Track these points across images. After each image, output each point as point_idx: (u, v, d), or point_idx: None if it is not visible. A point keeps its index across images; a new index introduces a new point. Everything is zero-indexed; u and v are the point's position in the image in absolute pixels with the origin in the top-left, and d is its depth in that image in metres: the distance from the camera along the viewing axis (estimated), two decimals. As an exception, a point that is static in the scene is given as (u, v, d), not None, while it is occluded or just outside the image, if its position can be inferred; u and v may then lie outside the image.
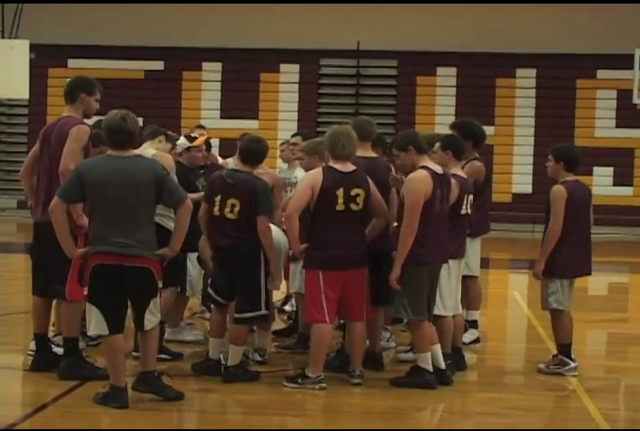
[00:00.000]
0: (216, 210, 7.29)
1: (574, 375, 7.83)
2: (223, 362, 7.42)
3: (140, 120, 8.48)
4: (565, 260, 7.85)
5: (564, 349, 7.95)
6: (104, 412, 6.36)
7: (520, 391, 7.50)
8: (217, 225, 7.31)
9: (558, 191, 7.87)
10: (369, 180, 7.24)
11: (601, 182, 24.21)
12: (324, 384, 7.12)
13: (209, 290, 7.54)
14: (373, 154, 7.82)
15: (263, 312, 7.32)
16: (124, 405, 6.43)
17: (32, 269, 7.47)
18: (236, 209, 7.24)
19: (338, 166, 7.16)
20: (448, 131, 8.55)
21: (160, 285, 6.59)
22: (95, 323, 6.45)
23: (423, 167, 7.13)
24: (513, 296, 13.26)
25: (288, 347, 8.47)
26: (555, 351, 8.10)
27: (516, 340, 10.13)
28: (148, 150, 7.89)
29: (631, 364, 9.08)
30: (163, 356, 7.85)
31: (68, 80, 7.54)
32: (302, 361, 7.63)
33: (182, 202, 6.58)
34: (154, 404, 6.72)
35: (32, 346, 7.65)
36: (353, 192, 7.12)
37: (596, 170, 24.22)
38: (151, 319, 6.58)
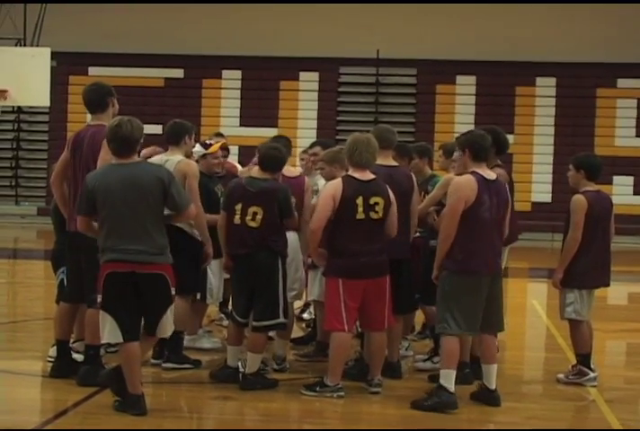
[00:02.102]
0: (237, 218, 7.30)
1: (594, 386, 7.79)
2: (241, 370, 7.43)
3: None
4: (584, 271, 7.81)
5: (584, 359, 7.91)
6: (123, 419, 6.37)
7: (538, 401, 7.47)
8: (237, 234, 7.32)
9: (579, 201, 7.81)
10: (389, 189, 7.24)
11: (621, 191, 24.10)
12: (342, 393, 7.11)
13: (231, 311, 7.55)
14: (394, 163, 7.82)
15: (282, 320, 7.32)
16: (142, 412, 6.44)
17: (67, 277, 7.50)
18: (259, 217, 7.24)
19: (357, 175, 7.16)
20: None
21: (173, 291, 6.60)
22: (109, 331, 6.45)
23: (473, 172, 6.96)
24: (532, 305, 13.21)
25: (307, 355, 8.47)
26: (574, 361, 8.07)
27: (535, 349, 10.09)
28: (173, 157, 7.82)
29: (651, 374, 9.03)
30: (185, 365, 7.88)
31: (88, 88, 7.46)
32: (321, 369, 7.63)
33: (183, 208, 6.59)
34: (172, 412, 6.74)
35: (52, 352, 7.67)
36: (372, 201, 7.11)
37: (616, 179, 24.12)
38: (165, 327, 6.61)
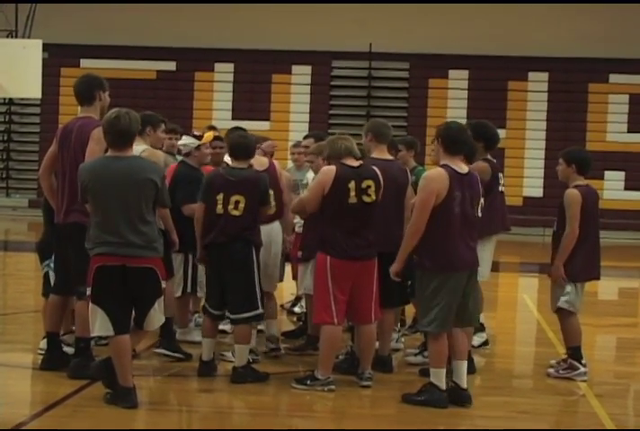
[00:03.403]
0: (219, 208, 7.33)
1: (584, 380, 7.81)
2: (232, 360, 7.45)
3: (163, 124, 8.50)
4: (579, 264, 7.84)
5: (575, 353, 7.92)
6: (113, 412, 6.37)
7: (528, 395, 7.49)
8: (218, 224, 7.33)
9: (574, 195, 7.81)
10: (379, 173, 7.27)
11: (612, 186, 24.15)
12: (332, 386, 7.11)
13: (206, 305, 7.58)
14: (389, 157, 7.87)
15: (260, 311, 7.39)
16: (133, 405, 6.44)
17: (56, 269, 7.49)
18: (241, 206, 7.30)
19: (347, 162, 7.21)
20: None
21: (164, 285, 6.62)
22: (100, 324, 6.45)
23: (444, 165, 6.85)
24: (523, 300, 13.23)
25: (298, 348, 8.48)
26: (564, 355, 8.08)
27: (525, 344, 10.11)
28: (137, 147, 7.77)
29: (641, 369, 9.07)
30: (177, 354, 7.90)
31: (78, 80, 7.44)
32: (311, 363, 7.63)
33: (168, 205, 6.74)
34: (163, 405, 6.74)
35: (43, 344, 7.67)
36: (364, 184, 7.14)
37: (607, 174, 24.15)
38: (154, 319, 6.62)
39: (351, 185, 7.10)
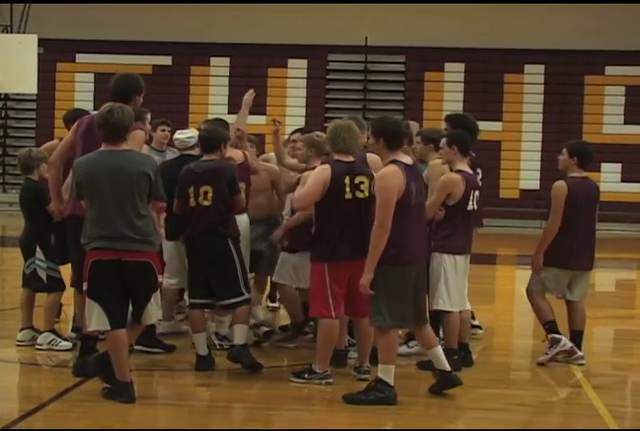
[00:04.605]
0: (191, 201, 7.51)
1: (573, 352, 7.91)
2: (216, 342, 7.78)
3: (148, 115, 8.48)
4: (563, 252, 8.03)
5: (552, 327, 8.09)
6: (111, 406, 6.37)
7: (526, 388, 7.50)
8: (193, 217, 7.48)
9: (559, 188, 8.01)
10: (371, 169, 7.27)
11: (610, 179, 24.15)
12: (330, 380, 7.12)
13: (191, 299, 7.62)
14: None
15: (246, 296, 7.51)
16: (130, 399, 6.43)
17: (75, 263, 7.31)
18: (209, 195, 7.45)
19: (341, 158, 7.19)
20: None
21: (160, 279, 6.63)
22: (96, 319, 6.46)
23: (394, 161, 6.74)
24: (520, 292, 13.20)
25: (287, 338, 8.47)
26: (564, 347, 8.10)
27: (523, 336, 10.11)
28: None
29: (638, 361, 9.08)
30: (156, 350, 7.92)
31: (117, 78, 7.29)
32: (307, 356, 7.63)
33: (161, 198, 6.70)
34: (160, 399, 6.74)
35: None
36: (357, 180, 7.13)
37: (604, 166, 24.14)
38: (151, 313, 6.63)
39: (347, 181, 7.08)
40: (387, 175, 6.67)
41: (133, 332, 6.75)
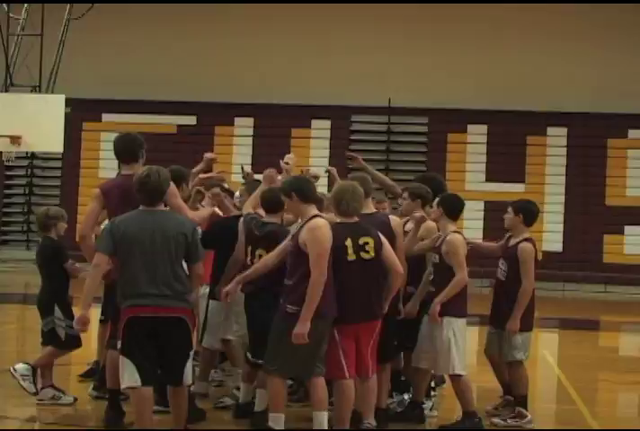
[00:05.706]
0: (247, 260, 7.56)
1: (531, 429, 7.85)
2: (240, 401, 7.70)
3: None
4: (529, 314, 8.35)
5: (524, 401, 8.06)
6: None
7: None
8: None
9: (529, 250, 8.34)
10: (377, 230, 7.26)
11: (633, 241, 23.99)
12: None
13: (248, 355, 7.62)
14: (373, 210, 7.86)
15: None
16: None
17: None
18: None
19: (343, 219, 7.21)
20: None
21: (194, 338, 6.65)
22: (128, 376, 6.46)
23: (317, 216, 6.99)
24: (543, 356, 13.09)
25: (299, 399, 8.35)
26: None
27: (545, 400, 9.98)
28: None
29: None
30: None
31: (120, 138, 7.49)
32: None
33: (197, 261, 6.68)
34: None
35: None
36: (361, 241, 7.12)
37: (627, 229, 24.03)
38: (190, 372, 6.63)
39: (348, 242, 7.06)
40: (321, 226, 6.86)
41: (181, 397, 6.64)
